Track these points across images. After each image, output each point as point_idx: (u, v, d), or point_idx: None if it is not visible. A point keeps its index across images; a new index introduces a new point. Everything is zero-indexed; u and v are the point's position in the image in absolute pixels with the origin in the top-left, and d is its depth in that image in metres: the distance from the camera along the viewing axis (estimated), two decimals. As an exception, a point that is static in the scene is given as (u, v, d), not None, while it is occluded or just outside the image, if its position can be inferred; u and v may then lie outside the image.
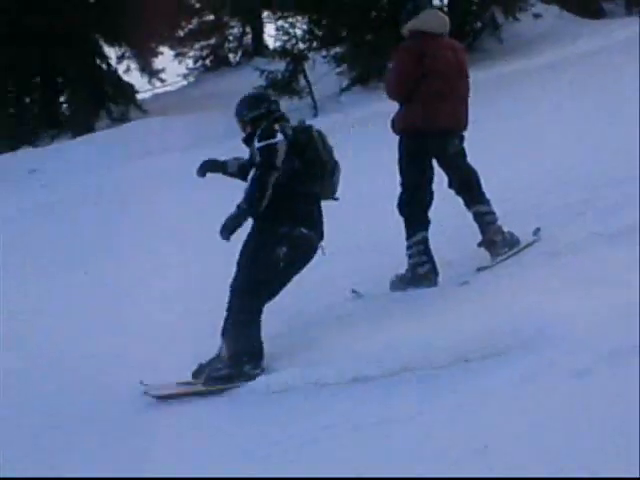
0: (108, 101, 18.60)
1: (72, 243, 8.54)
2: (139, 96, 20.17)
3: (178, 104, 18.46)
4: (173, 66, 24.67)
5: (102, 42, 19.44)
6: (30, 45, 16.72)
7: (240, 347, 4.25)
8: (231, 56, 25.38)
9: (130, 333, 5.44)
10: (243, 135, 4.54)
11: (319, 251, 4.46)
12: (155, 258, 7.30)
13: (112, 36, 19.25)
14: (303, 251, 4.34)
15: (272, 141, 4.23)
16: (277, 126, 4.32)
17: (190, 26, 24.68)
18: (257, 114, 4.39)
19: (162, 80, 22.35)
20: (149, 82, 21.79)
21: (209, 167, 4.71)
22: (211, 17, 24.95)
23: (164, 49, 22.92)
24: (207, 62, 25.06)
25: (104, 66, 19.49)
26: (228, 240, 4.32)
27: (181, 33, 24.36)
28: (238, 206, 4.29)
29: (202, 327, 4.93)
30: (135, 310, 5.89)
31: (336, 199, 4.64)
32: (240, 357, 4.24)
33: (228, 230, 4.29)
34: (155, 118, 16.23)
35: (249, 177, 4.33)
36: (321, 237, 4.45)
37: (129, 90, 19.44)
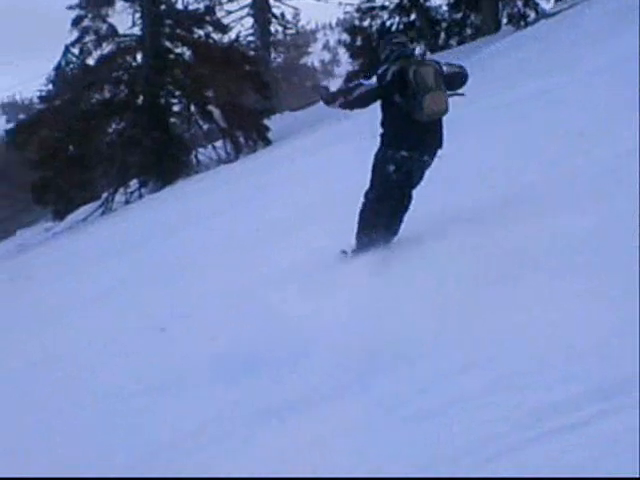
0: None
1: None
2: None
3: None
4: None
5: None
6: None
7: (360, 231, 5.50)
8: None
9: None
10: None
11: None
12: None
13: None
14: (408, 168, 5.35)
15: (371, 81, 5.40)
16: (382, 68, 5.37)
17: None
18: (384, 56, 5.53)
19: None
20: None
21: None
22: None
23: None
24: None
25: None
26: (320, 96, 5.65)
27: None
28: (346, 99, 5.41)
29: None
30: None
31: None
32: (360, 235, 5.50)
33: (325, 95, 5.55)
34: None
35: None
36: (433, 149, 5.36)
37: None
